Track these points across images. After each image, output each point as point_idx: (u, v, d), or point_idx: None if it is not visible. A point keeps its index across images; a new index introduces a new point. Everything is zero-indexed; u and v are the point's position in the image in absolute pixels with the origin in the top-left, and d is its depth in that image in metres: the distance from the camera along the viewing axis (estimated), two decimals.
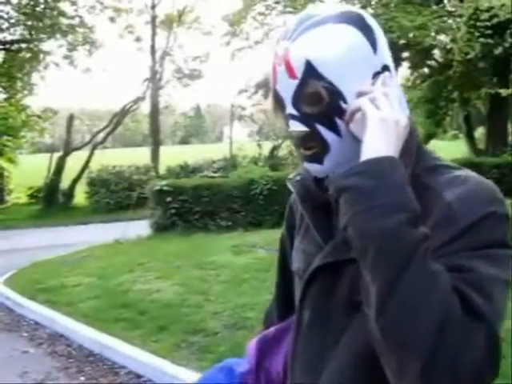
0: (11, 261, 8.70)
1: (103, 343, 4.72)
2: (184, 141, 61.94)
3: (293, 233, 1.09)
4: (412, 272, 0.72)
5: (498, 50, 12.60)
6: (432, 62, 17.32)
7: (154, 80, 22.76)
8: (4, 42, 17.05)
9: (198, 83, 26.27)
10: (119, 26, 23.34)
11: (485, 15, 11.84)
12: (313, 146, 0.90)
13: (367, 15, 0.92)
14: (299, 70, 0.87)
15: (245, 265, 6.77)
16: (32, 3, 16.35)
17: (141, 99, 21.45)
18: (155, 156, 21.73)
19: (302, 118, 0.89)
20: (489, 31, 12.14)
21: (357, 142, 0.85)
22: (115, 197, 16.40)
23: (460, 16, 12.65)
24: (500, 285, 0.77)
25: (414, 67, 17.98)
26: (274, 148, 17.16)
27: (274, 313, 1.21)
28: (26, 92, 18.04)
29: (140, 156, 21.11)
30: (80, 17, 17.19)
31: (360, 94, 0.86)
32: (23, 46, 17.16)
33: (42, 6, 16.54)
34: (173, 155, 21.79)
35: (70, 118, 18.93)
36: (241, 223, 10.27)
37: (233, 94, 28.06)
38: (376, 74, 0.89)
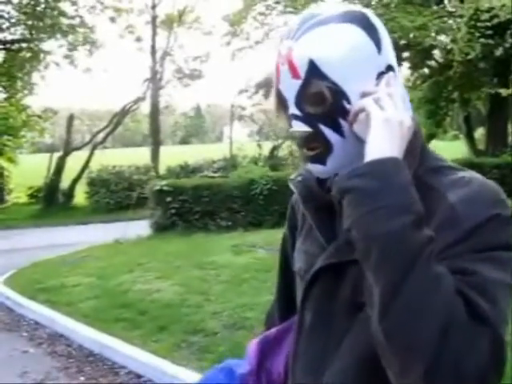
0: (11, 260, 8.69)
1: (103, 343, 4.71)
2: (184, 141, 61.94)
3: (295, 233, 1.08)
4: (416, 274, 0.71)
5: (499, 51, 12.59)
6: (432, 63, 17.31)
7: (155, 80, 22.74)
8: (4, 42, 17.03)
9: (199, 83, 26.40)
10: (119, 26, 23.35)
11: (485, 16, 11.81)
12: (316, 147, 0.89)
13: (371, 14, 0.91)
14: (302, 70, 0.86)
15: (245, 265, 6.77)
16: (32, 3, 16.33)
17: (141, 99, 21.46)
18: (155, 156, 21.71)
19: (305, 119, 0.88)
20: (489, 32, 12.12)
21: (360, 142, 0.84)
22: (115, 197, 16.38)
23: (460, 16, 12.63)
24: (504, 288, 0.77)
25: (415, 67, 17.95)
26: (274, 148, 17.17)
27: (276, 313, 1.21)
28: (26, 92, 18.01)
29: (140, 156, 21.09)
30: (80, 17, 17.19)
31: (364, 95, 0.85)
32: (24, 45, 17.13)
33: (43, 6, 16.52)
34: (173, 155, 21.78)
35: (70, 118, 18.93)
36: (241, 223, 10.27)
37: (233, 94, 28.12)
38: (380, 74, 0.88)
